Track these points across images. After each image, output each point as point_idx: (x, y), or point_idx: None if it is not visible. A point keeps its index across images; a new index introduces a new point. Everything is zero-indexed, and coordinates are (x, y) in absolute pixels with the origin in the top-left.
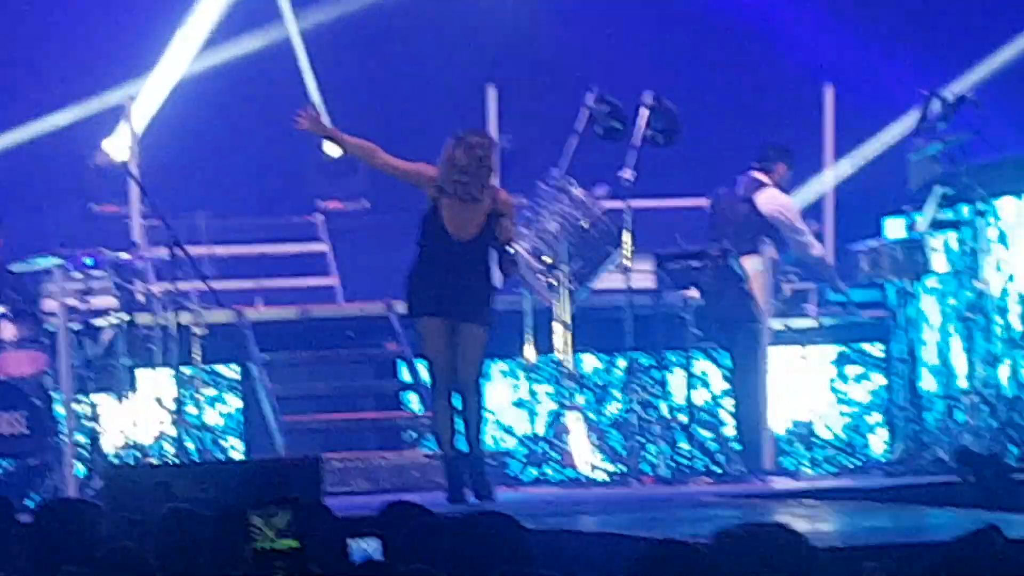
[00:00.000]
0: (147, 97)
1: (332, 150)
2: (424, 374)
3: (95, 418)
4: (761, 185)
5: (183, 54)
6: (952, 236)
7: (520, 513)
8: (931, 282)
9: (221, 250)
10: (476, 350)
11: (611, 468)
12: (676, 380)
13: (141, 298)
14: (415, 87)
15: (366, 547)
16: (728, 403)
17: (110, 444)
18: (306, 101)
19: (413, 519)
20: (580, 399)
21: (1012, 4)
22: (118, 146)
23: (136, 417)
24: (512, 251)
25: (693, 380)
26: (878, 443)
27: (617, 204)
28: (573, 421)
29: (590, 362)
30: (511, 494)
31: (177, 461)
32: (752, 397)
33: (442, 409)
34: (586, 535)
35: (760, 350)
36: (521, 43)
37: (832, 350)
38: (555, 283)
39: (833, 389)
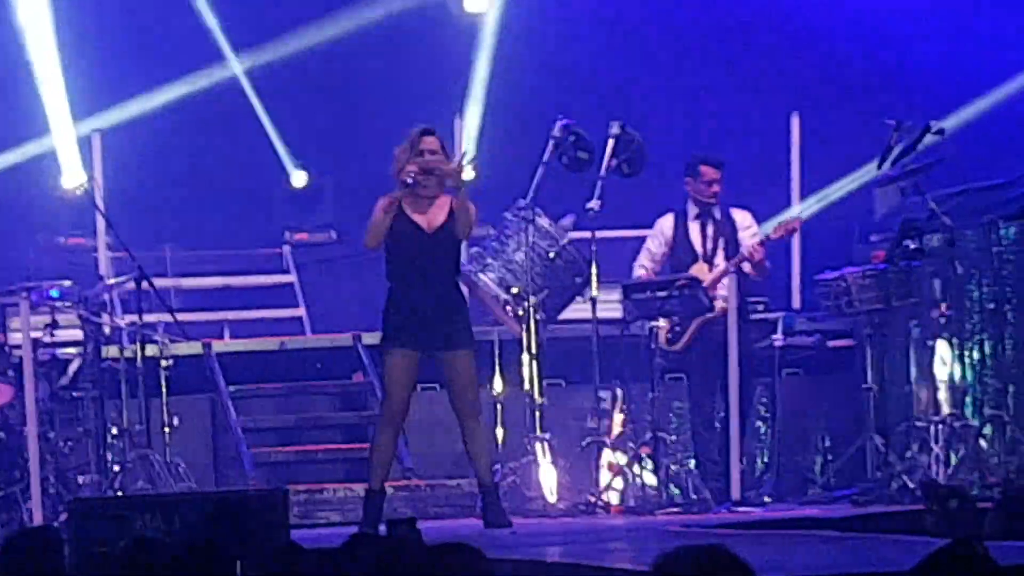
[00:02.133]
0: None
1: (298, 180)
2: None
3: (61, 450)
4: None
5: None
6: (918, 265)
7: (485, 544)
8: (898, 311)
9: (188, 282)
10: (468, 375)
11: (577, 498)
12: (643, 409)
13: (107, 330)
14: (385, 121)
15: None
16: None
17: (76, 476)
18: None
19: (377, 551)
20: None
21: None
22: (80, 175)
23: (102, 449)
24: None
25: (659, 409)
26: (845, 472)
27: (584, 234)
28: (539, 451)
29: (557, 392)
30: (477, 524)
31: (143, 493)
32: (720, 426)
33: (385, 443)
34: (551, 565)
35: (732, 378)
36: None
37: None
38: (522, 313)
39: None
